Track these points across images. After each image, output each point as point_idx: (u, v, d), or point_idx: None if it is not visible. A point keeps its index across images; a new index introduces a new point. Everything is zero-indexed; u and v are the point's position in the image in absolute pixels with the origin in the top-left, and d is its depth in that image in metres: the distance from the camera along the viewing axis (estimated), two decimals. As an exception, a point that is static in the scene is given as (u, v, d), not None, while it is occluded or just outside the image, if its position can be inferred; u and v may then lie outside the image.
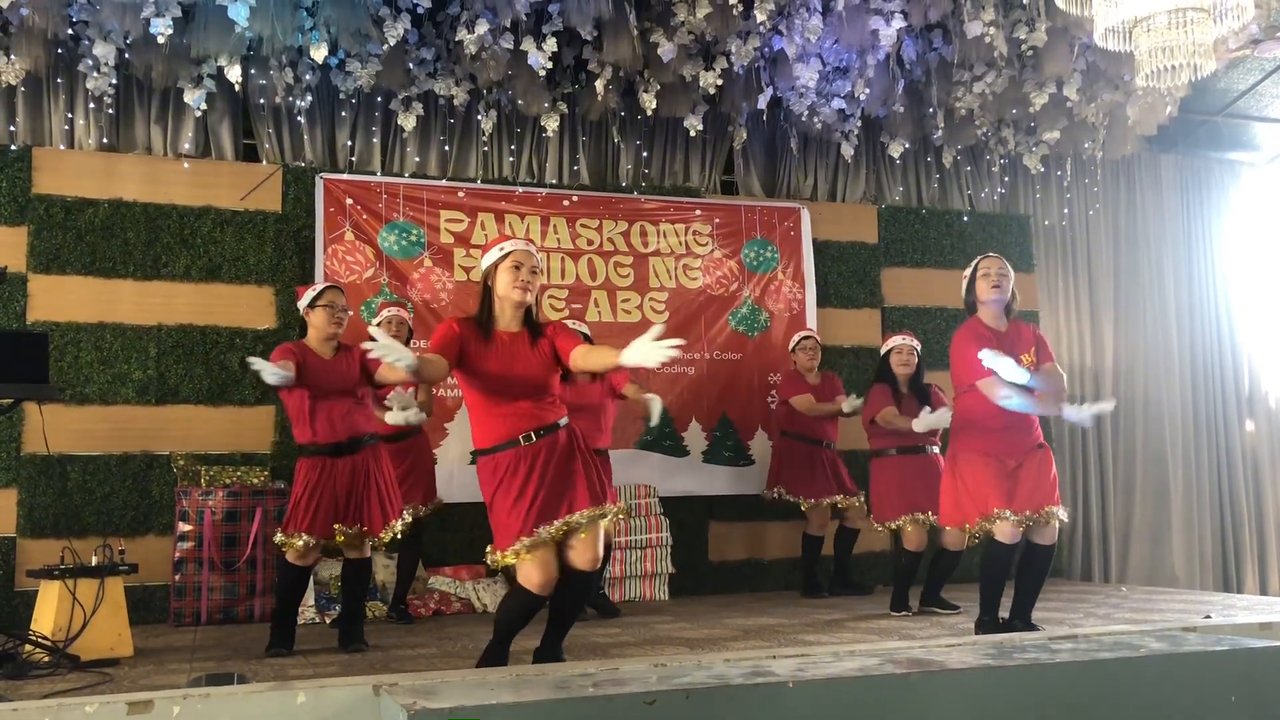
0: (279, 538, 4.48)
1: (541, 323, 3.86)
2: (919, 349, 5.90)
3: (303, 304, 4.72)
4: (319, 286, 4.77)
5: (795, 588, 6.76)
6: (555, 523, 3.61)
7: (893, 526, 5.65)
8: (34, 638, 4.25)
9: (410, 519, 5.04)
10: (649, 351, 3.36)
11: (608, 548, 5.68)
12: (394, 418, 5.09)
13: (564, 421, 3.77)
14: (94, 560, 4.54)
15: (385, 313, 5.62)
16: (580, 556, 3.68)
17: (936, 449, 5.72)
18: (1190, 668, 3.28)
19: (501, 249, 3.77)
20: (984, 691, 3.05)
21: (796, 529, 6.61)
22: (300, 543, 4.41)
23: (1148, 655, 3.29)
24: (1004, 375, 4.30)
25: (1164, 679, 3.22)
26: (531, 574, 3.63)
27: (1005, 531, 4.40)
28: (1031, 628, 4.41)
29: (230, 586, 5.71)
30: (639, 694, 2.72)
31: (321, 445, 4.52)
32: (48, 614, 4.40)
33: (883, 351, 5.98)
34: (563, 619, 3.84)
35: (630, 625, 5.24)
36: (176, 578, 5.69)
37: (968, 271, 4.73)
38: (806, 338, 6.63)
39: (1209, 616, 4.73)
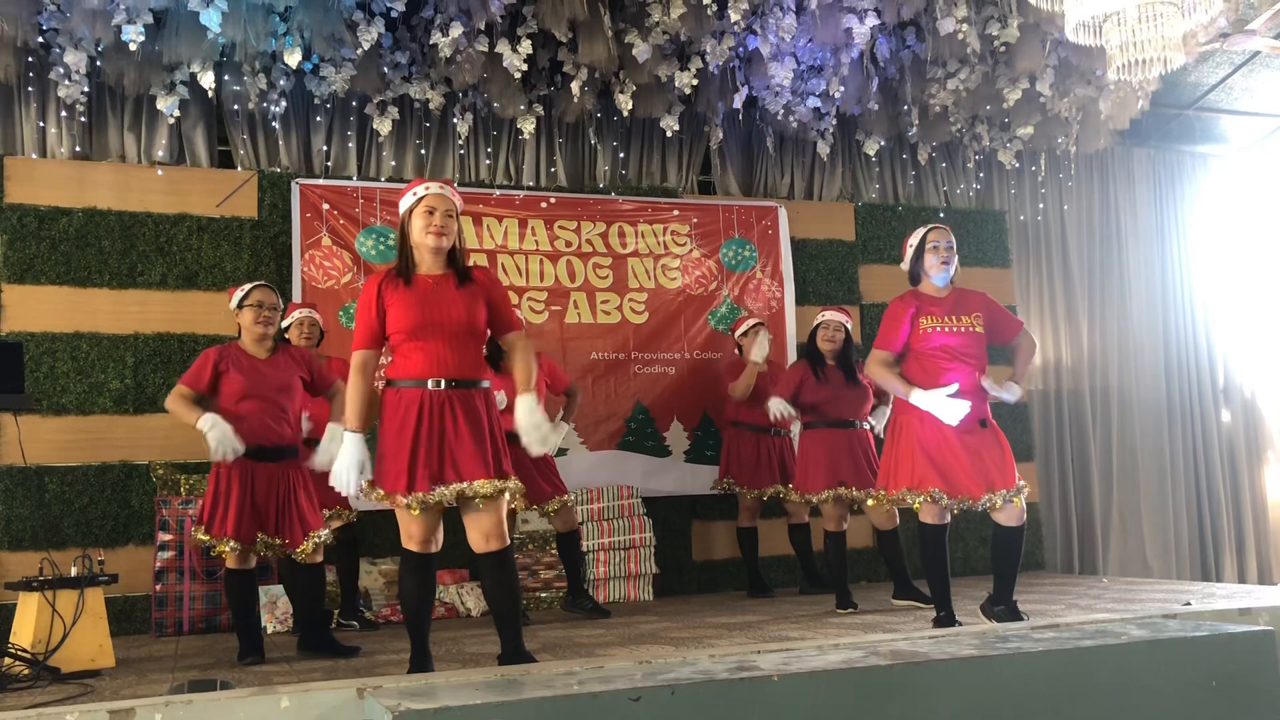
0: (202, 536, 4.36)
1: (469, 266, 3.76)
2: (849, 325, 5.78)
3: (232, 304, 4.61)
4: (247, 286, 4.63)
5: (778, 585, 6.77)
6: (449, 487, 3.55)
7: (814, 500, 5.58)
8: (13, 651, 4.20)
9: (341, 524, 5.24)
10: (535, 431, 3.63)
11: (568, 537, 5.61)
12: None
13: (485, 384, 3.68)
14: (73, 571, 4.48)
15: (295, 314, 5.41)
16: (471, 533, 3.64)
17: (868, 425, 5.69)
18: (1172, 654, 3.30)
19: (415, 193, 3.67)
20: (968, 682, 3.07)
21: (778, 527, 6.63)
22: (230, 547, 4.32)
23: (1130, 642, 3.31)
24: (942, 416, 4.29)
25: (1146, 665, 3.25)
26: (410, 526, 3.62)
27: (930, 512, 4.39)
28: (1016, 616, 4.41)
29: (212, 595, 5.66)
30: (624, 690, 2.72)
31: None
32: (27, 626, 4.34)
33: (812, 326, 5.85)
34: (498, 612, 3.69)
35: (615, 625, 5.23)
36: (157, 587, 5.65)
37: (914, 240, 4.60)
38: (756, 325, 6.45)
39: (1189, 604, 4.76)
